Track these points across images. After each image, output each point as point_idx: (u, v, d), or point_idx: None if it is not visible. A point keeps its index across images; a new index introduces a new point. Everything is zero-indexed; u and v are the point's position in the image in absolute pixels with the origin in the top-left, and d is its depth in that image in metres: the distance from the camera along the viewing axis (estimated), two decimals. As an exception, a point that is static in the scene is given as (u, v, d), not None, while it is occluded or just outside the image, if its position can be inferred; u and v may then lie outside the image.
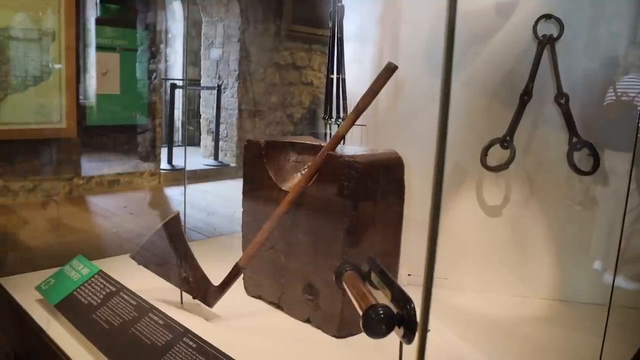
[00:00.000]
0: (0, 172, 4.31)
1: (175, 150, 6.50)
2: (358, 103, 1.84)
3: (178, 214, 1.97)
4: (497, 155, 2.13)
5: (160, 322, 1.65)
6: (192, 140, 8.09)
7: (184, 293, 1.93)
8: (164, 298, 1.93)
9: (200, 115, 7.56)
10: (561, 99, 2.07)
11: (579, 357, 1.78)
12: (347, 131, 1.88)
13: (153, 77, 5.49)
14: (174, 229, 1.94)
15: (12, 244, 3.43)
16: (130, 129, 5.47)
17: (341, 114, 2.52)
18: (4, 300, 2.08)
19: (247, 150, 2.07)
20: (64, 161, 4.76)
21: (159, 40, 5.54)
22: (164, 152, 6.04)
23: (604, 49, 2.12)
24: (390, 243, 1.88)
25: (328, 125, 2.60)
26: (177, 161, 6.36)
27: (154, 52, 5.47)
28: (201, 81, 7.38)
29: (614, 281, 1.66)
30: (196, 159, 7.13)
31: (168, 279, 1.93)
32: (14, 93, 4.21)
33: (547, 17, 2.06)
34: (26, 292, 2.03)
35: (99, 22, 5.05)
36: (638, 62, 2.10)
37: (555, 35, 2.06)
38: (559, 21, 2.05)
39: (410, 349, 1.05)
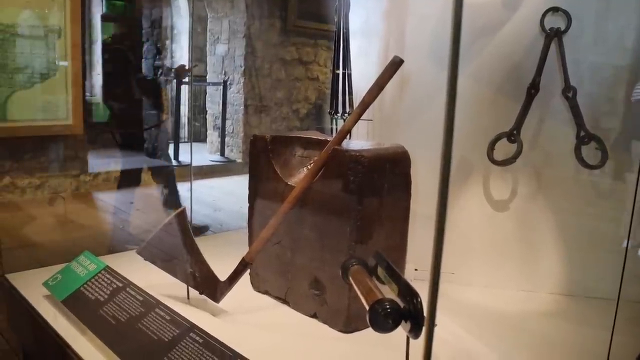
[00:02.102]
0: (8, 168, 4.33)
1: (181, 146, 6.52)
2: (364, 97, 1.83)
3: (184, 209, 1.97)
4: (504, 149, 2.12)
5: (167, 317, 1.65)
6: (198, 136, 8.10)
7: (190, 288, 1.94)
8: (170, 293, 1.94)
9: (206, 111, 7.57)
10: (569, 93, 2.05)
11: (587, 351, 1.77)
12: (353, 126, 1.87)
13: (159, 73, 5.50)
14: (180, 225, 1.94)
15: (19, 240, 3.44)
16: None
17: (347, 109, 2.51)
18: (11, 296, 2.09)
19: (253, 145, 2.07)
20: (70, 158, 4.78)
21: (164, 36, 5.55)
22: (170, 148, 6.05)
23: (612, 42, 2.11)
24: (397, 238, 1.87)
25: (334, 120, 2.59)
26: (184, 157, 6.37)
27: (160, 49, 5.47)
28: (207, 77, 7.38)
29: (622, 275, 1.64)
30: (202, 154, 7.14)
31: (174, 274, 1.93)
32: (21, 90, 4.22)
33: (555, 10, 2.05)
34: (33, 288, 2.04)
35: (104, 18, 5.06)
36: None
37: (562, 28, 2.04)
38: (566, 14, 2.03)
39: (417, 344, 1.05)
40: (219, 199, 5.13)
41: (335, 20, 2.51)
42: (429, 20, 2.19)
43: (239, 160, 6.97)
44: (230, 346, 1.46)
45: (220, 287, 1.88)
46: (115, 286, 1.87)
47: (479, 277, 2.25)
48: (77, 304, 1.86)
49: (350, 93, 2.53)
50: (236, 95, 6.97)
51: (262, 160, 2.03)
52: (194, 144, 7.84)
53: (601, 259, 2.11)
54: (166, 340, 1.56)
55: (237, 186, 4.76)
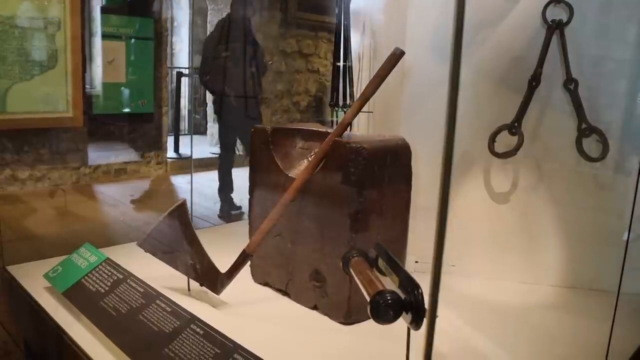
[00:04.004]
0: (8, 161, 4.33)
1: (181, 138, 6.51)
2: (364, 89, 1.83)
3: (184, 201, 1.97)
4: (505, 141, 2.12)
5: (168, 309, 1.65)
6: (198, 128, 8.10)
7: (191, 280, 1.94)
8: (171, 285, 1.94)
9: (206, 104, 7.56)
10: (570, 85, 2.05)
11: (588, 343, 1.77)
12: (353, 118, 1.87)
13: (159, 65, 5.48)
14: (181, 217, 1.95)
15: (20, 233, 3.44)
16: (136, 118, 5.47)
17: (348, 101, 2.51)
18: (13, 288, 2.09)
19: (254, 137, 2.07)
20: (70, 150, 4.78)
21: (164, 28, 5.52)
22: (170, 140, 6.05)
23: (614, 34, 2.10)
24: (398, 230, 1.87)
25: (335, 113, 2.59)
26: (184, 150, 6.37)
27: (160, 41, 5.45)
28: (207, 69, 7.35)
29: (623, 268, 1.65)
30: (203, 147, 7.13)
31: (175, 266, 1.93)
32: (20, 82, 4.22)
33: (557, 1, 2.04)
34: (34, 279, 2.04)
35: (104, 10, 5.04)
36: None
37: (564, 20, 2.03)
38: (568, 6, 2.03)
39: (418, 335, 1.05)
40: (220, 191, 5.12)
41: (336, 12, 2.50)
42: (430, 12, 2.18)
43: (240, 153, 6.96)
44: (231, 337, 1.47)
45: (220, 279, 1.88)
46: (116, 278, 1.87)
47: (479, 269, 2.26)
48: (77, 296, 1.87)
49: (351, 85, 2.53)
50: (236, 87, 6.95)
51: (262, 152, 2.02)
52: (194, 136, 7.83)
53: (602, 252, 2.11)
54: (167, 331, 1.56)
55: (238, 178, 4.75)
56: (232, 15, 4.80)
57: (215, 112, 5.10)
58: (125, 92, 5.25)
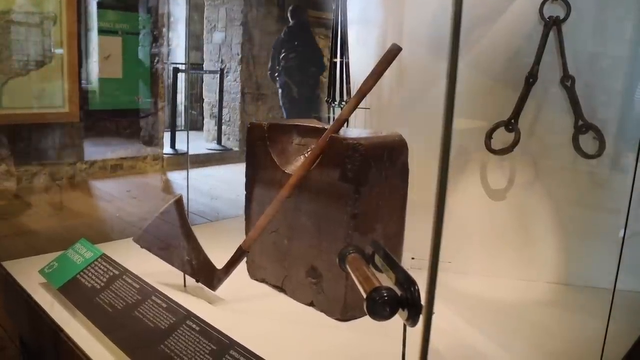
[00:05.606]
0: (4, 156, 4.32)
1: (178, 134, 6.50)
2: (361, 86, 1.82)
3: (181, 196, 1.97)
4: (501, 138, 2.12)
5: (164, 305, 1.65)
6: (195, 124, 8.10)
7: (187, 276, 1.93)
8: (167, 281, 1.94)
9: (202, 100, 7.55)
10: (567, 82, 2.05)
11: (584, 340, 1.78)
12: (350, 114, 1.86)
13: (155, 61, 5.47)
14: (176, 212, 1.94)
15: (15, 228, 3.44)
16: (132, 113, 5.46)
17: (345, 97, 2.51)
18: (8, 284, 2.09)
19: (250, 132, 2.06)
20: (66, 146, 4.77)
21: (161, 23, 5.51)
22: (166, 136, 6.04)
23: (611, 31, 2.10)
24: (394, 226, 1.87)
25: (332, 109, 2.59)
26: (180, 145, 6.36)
27: (156, 36, 5.44)
28: (204, 65, 7.35)
29: (619, 265, 1.65)
30: (199, 143, 7.13)
31: (171, 262, 1.93)
32: (16, 77, 4.21)
33: (554, -2, 2.04)
34: (30, 275, 2.03)
35: (100, 5, 5.03)
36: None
37: (561, 16, 2.03)
38: (565, 2, 2.02)
39: (415, 332, 1.05)
40: (216, 187, 5.12)
41: (333, 8, 2.49)
42: (428, 9, 2.18)
43: (236, 149, 6.96)
44: (227, 334, 1.47)
45: (217, 275, 1.87)
46: (111, 274, 1.87)
47: (476, 266, 2.26)
48: (73, 292, 1.86)
49: (348, 82, 2.53)
50: (233, 83, 6.95)
51: (259, 148, 2.02)
52: (190, 132, 7.82)
53: (598, 249, 2.12)
54: (163, 327, 1.56)
55: (234, 174, 4.75)
56: (294, 21, 6.20)
57: (282, 103, 6.36)
58: (122, 87, 5.24)
